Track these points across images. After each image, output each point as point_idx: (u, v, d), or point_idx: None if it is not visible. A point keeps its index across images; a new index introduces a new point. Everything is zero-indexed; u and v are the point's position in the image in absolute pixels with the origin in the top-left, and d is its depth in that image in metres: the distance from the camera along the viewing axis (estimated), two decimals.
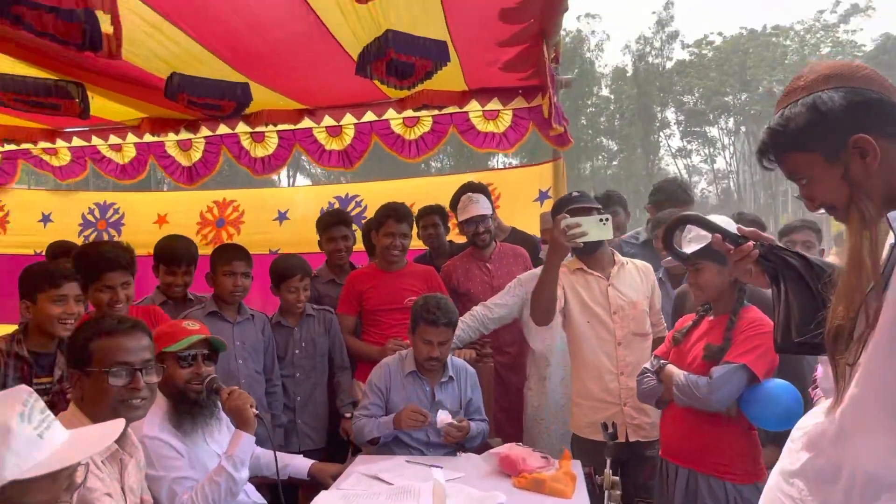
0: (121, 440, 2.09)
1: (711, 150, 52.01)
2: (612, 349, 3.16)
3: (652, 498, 2.85)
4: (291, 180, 43.60)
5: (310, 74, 3.90)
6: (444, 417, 3.06)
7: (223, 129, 5.10)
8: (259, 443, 2.69)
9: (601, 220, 2.86)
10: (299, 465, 2.99)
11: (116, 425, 1.60)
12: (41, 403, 1.47)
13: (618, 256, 3.33)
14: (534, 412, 3.73)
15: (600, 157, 50.03)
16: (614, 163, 51.28)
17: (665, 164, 53.79)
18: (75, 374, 2.09)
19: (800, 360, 2.94)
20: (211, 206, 5.76)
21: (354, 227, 4.67)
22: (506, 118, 4.93)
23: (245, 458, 2.44)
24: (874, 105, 1.32)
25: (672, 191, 4.26)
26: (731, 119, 48.93)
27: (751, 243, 1.60)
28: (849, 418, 1.30)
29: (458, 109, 4.86)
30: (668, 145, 52.11)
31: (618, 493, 2.29)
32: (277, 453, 3.06)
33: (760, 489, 2.61)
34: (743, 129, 49.22)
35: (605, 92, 49.69)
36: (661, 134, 50.40)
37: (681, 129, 50.11)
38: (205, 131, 5.07)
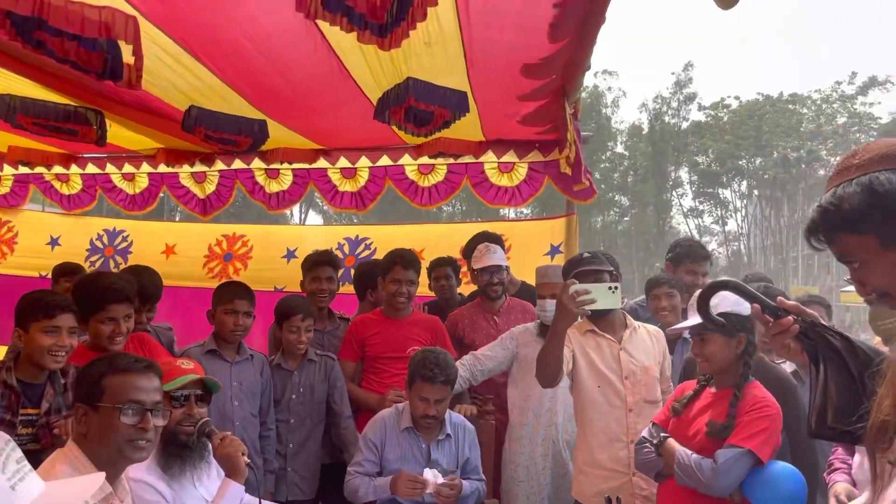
0: (113, 483, 2.02)
1: (723, 211, 52.04)
2: (623, 416, 3.06)
3: None
4: (303, 216, 43.82)
5: (328, 116, 3.90)
6: (432, 479, 2.95)
7: (238, 164, 5.11)
8: (247, 488, 2.58)
9: (610, 287, 2.80)
10: None
11: (95, 479, 1.52)
12: (18, 453, 1.40)
13: (630, 320, 3.26)
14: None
15: (612, 213, 50.11)
16: (626, 218, 51.36)
17: (676, 223, 53.85)
18: (82, 409, 2.04)
19: (812, 443, 2.83)
20: (220, 239, 5.73)
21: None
22: (521, 171, 4.91)
23: None
24: None
25: (689, 246, 4.22)
26: (745, 182, 49.04)
27: (791, 317, 1.52)
28: None
29: (473, 159, 4.86)
30: (681, 204, 52.23)
31: None
32: (266, 503, 2.97)
33: None
34: (756, 192, 49.31)
35: (619, 148, 50.02)
36: (674, 193, 50.53)
37: (693, 189, 50.24)
38: (220, 165, 5.08)
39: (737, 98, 47.55)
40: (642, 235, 49.54)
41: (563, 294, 2.72)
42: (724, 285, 1.64)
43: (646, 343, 3.19)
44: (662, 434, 2.66)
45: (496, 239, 4.29)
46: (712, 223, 54.31)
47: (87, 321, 2.93)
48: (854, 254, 1.34)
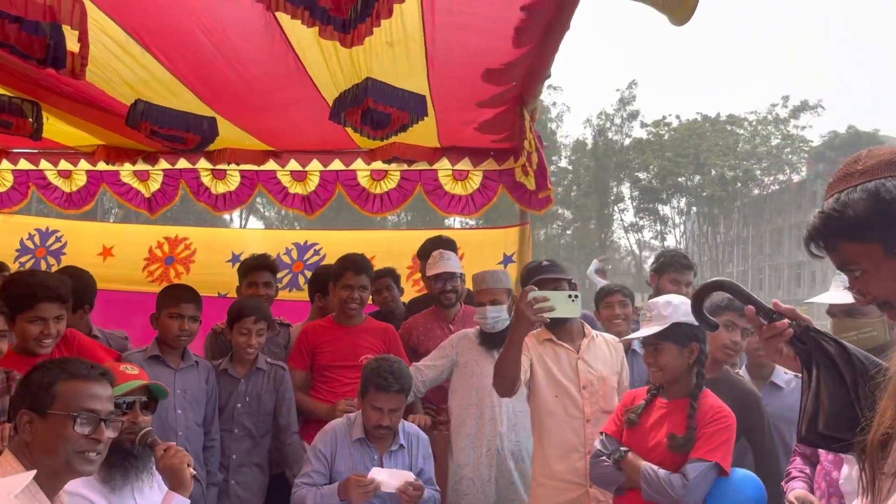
0: (52, 497, 1.88)
1: (663, 227, 53.26)
2: (581, 426, 3.01)
3: None
4: (244, 222, 43.01)
5: (281, 115, 3.79)
6: (386, 478, 2.86)
7: (183, 164, 4.93)
8: (192, 502, 2.44)
9: (570, 296, 2.77)
10: None
11: (22, 479, 1.39)
12: None
13: (588, 329, 3.23)
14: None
15: (555, 226, 50.75)
16: (568, 232, 52.08)
17: (617, 237, 54.86)
18: (28, 416, 1.89)
19: (776, 455, 2.87)
20: (161, 241, 5.52)
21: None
22: (475, 180, 4.87)
23: None
24: None
25: (672, 256, 4.25)
26: (684, 199, 50.31)
27: (786, 321, 1.47)
28: None
29: (427, 166, 4.80)
30: (622, 219, 53.22)
31: None
32: None
33: None
34: (694, 209, 50.63)
35: (563, 163, 50.76)
36: (616, 207, 51.48)
37: (634, 204, 51.28)
38: (163, 164, 4.89)
39: (677, 117, 48.82)
40: (584, 249, 50.23)
41: (522, 301, 2.66)
42: (720, 285, 1.60)
43: (604, 352, 3.16)
44: (622, 448, 2.64)
45: (450, 244, 4.23)
46: (652, 238, 55.48)
47: (14, 321, 2.74)
48: (856, 262, 1.31)
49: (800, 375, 1.49)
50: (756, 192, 49.80)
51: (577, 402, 3.04)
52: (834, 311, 2.38)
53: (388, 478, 2.87)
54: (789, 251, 52.75)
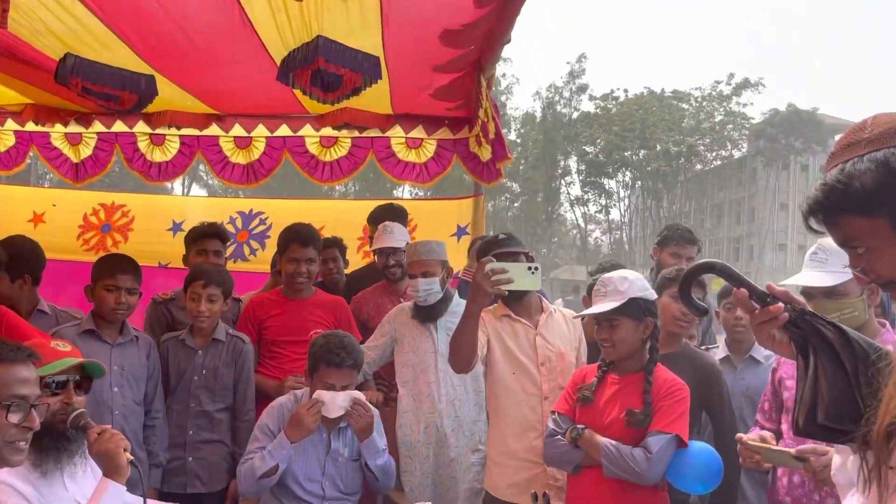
0: None
1: (608, 201, 54.01)
2: (538, 404, 2.93)
3: None
4: (186, 190, 41.92)
5: (225, 74, 3.58)
6: (327, 399, 2.78)
7: (120, 127, 4.66)
8: (130, 486, 2.27)
9: (530, 268, 2.67)
10: None
11: None
12: None
13: (546, 304, 3.14)
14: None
15: (503, 198, 50.94)
16: (516, 204, 52.36)
17: (564, 211, 55.44)
18: None
19: (735, 428, 2.85)
20: (97, 208, 5.23)
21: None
22: (429, 148, 4.74)
23: None
24: None
25: (676, 229, 4.17)
26: (629, 173, 51.02)
27: (780, 305, 1.37)
28: None
29: (380, 133, 4.64)
30: (569, 193, 53.75)
31: None
32: (154, 502, 2.66)
33: None
34: (639, 183, 51.42)
35: (512, 135, 50.85)
36: (563, 181, 51.91)
37: (581, 178, 51.81)
38: (98, 126, 4.61)
39: (625, 91, 49.28)
40: (531, 222, 50.65)
41: (479, 273, 2.56)
42: (711, 267, 1.49)
43: (562, 328, 3.09)
44: (579, 426, 2.59)
45: (402, 213, 4.11)
46: (597, 212, 56.26)
47: None
48: (861, 238, 1.21)
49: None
50: (699, 167, 50.82)
51: (535, 378, 2.96)
52: (812, 292, 2.34)
53: (334, 399, 2.80)
54: (729, 226, 54.21)
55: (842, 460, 1.41)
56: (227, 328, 3.39)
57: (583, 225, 56.52)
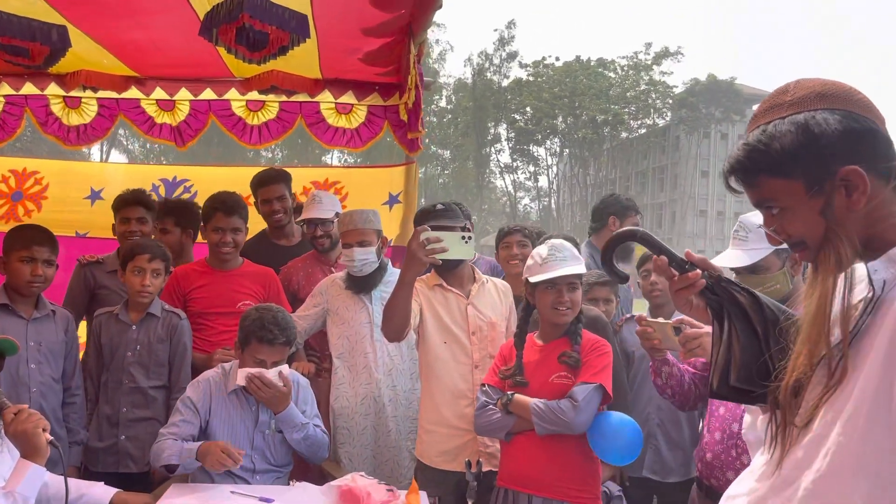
0: None
1: (537, 168, 54.55)
2: (469, 372, 2.96)
3: None
4: (105, 156, 40.20)
5: (143, 24, 3.39)
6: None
7: (30, 90, 4.39)
8: (50, 465, 2.18)
9: (464, 237, 2.68)
10: (99, 495, 2.49)
11: None
12: None
13: (478, 274, 3.15)
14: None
15: (433, 165, 50.84)
16: (447, 172, 52.33)
17: (494, 178, 55.73)
18: None
19: (623, 380, 2.97)
20: (7, 175, 4.93)
21: None
22: (360, 114, 4.67)
23: (31, 495, 1.97)
24: (870, 136, 1.16)
25: (622, 197, 4.27)
26: (557, 141, 51.57)
27: (698, 272, 1.42)
28: (813, 498, 1.14)
29: (308, 98, 4.53)
30: (498, 160, 54.03)
31: None
32: (75, 480, 2.57)
33: None
34: (567, 151, 52.09)
35: (443, 102, 50.63)
36: (493, 148, 52.11)
37: (511, 145, 52.10)
38: (6, 89, 4.34)
39: (557, 59, 49.49)
40: (461, 189, 50.76)
41: (414, 241, 2.56)
42: (633, 235, 1.53)
43: (493, 298, 3.11)
44: (509, 393, 2.64)
45: (285, 177, 4.02)
46: (526, 179, 56.78)
47: None
48: (776, 199, 1.24)
49: None
50: (624, 135, 51.76)
51: (466, 348, 2.99)
52: (738, 269, 2.42)
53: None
54: (652, 192, 55.57)
55: (752, 419, 1.48)
56: (163, 304, 3.27)
57: (512, 192, 57.03)
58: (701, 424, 3.17)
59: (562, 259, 2.64)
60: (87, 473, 3.01)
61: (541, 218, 56.23)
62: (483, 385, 2.77)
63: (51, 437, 2.05)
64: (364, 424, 3.28)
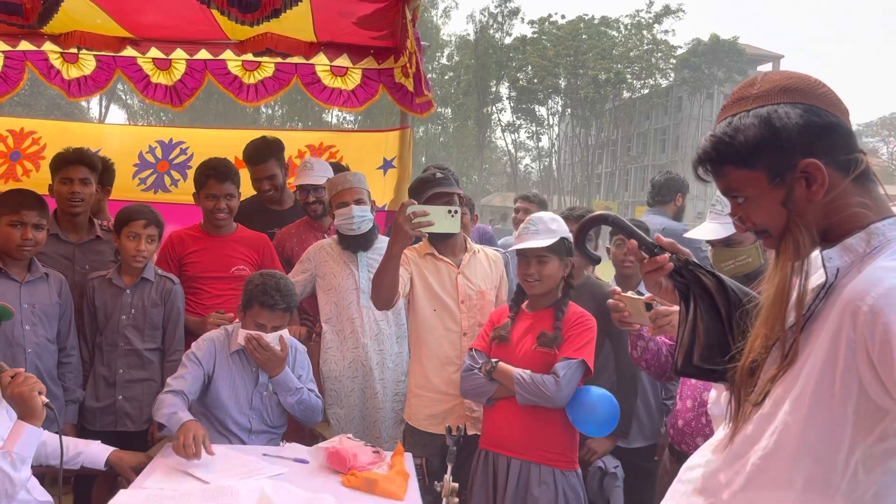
0: None
1: (538, 128, 54.18)
2: (457, 339, 3.04)
3: (468, 489, 2.83)
4: (103, 111, 39.93)
5: None
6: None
7: (26, 46, 4.37)
8: (47, 424, 2.24)
9: (450, 211, 2.74)
10: (96, 452, 2.57)
11: None
12: None
13: (470, 244, 3.20)
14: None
15: (435, 124, 50.49)
16: (450, 131, 52.01)
17: (496, 138, 55.39)
18: None
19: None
20: (5, 135, 4.93)
21: None
22: (355, 77, 4.64)
23: (28, 455, 2.04)
24: (830, 129, 1.20)
25: (681, 179, 4.56)
26: (560, 100, 51.09)
27: (667, 255, 1.48)
28: (758, 473, 1.22)
29: (303, 61, 4.51)
30: (500, 119, 53.62)
31: (456, 500, 2.18)
32: (72, 439, 2.66)
33: (580, 475, 2.70)
34: (569, 111, 51.65)
35: (444, 60, 50.06)
36: (494, 107, 51.67)
37: (512, 104, 51.65)
38: (3, 45, 4.31)
39: (563, 17, 48.74)
40: (462, 148, 50.54)
41: (400, 214, 2.63)
42: (604, 219, 1.57)
43: (483, 267, 3.17)
44: (494, 360, 2.72)
45: (275, 151, 3.98)
46: (528, 139, 56.46)
47: None
48: (741, 188, 1.28)
49: None
50: (626, 95, 51.29)
51: (455, 316, 3.05)
52: (713, 241, 2.47)
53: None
54: (654, 154, 55.30)
55: (717, 395, 1.54)
56: (157, 269, 3.31)
57: (513, 152, 56.78)
58: (663, 393, 3.27)
59: (534, 232, 2.70)
60: (85, 432, 3.08)
61: (542, 178, 56.04)
62: (471, 349, 2.84)
63: (46, 400, 2.11)
64: (352, 387, 3.34)
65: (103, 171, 3.79)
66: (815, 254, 1.23)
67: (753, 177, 1.25)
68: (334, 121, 40.42)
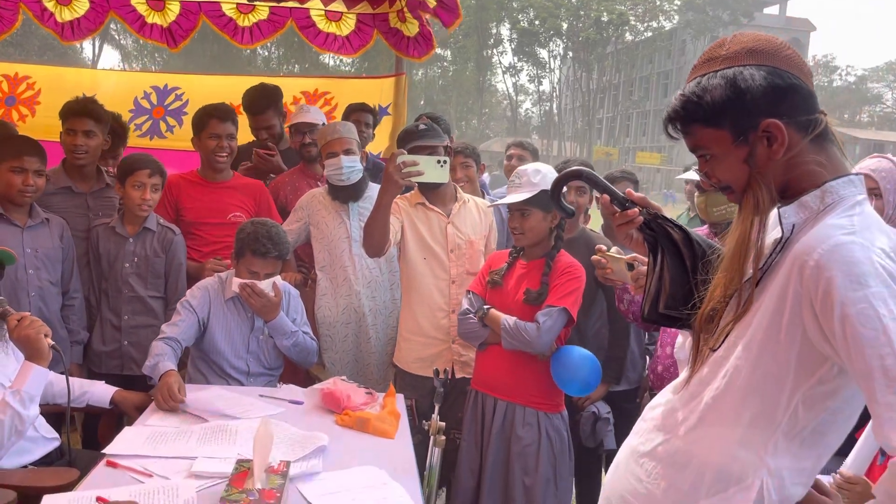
0: None
1: (540, 71, 53.44)
2: (446, 287, 3.13)
3: (461, 430, 2.94)
4: (97, 51, 39.33)
5: None
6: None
7: None
8: (53, 366, 2.34)
9: (439, 161, 2.80)
10: (100, 392, 2.69)
11: None
12: None
13: (460, 193, 3.26)
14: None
15: (434, 67, 49.77)
16: (449, 74, 51.30)
17: (496, 81, 54.62)
18: None
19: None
20: (0, 79, 4.94)
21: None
22: (349, 22, 4.62)
23: (35, 393, 2.14)
24: (792, 91, 1.26)
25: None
26: (561, 42, 50.26)
27: (636, 209, 1.55)
28: (710, 411, 1.33)
29: (297, 4, 4.48)
30: (500, 62, 52.83)
31: (442, 438, 2.30)
32: (78, 380, 2.77)
33: (565, 418, 2.82)
34: (570, 54, 50.88)
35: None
36: (495, 50, 50.85)
37: (513, 46, 50.82)
38: None
39: None
40: (461, 91, 49.94)
41: (390, 164, 2.67)
42: (578, 174, 1.64)
43: (473, 217, 3.23)
44: (485, 306, 2.80)
45: (274, 100, 4.01)
46: (528, 82, 55.70)
47: None
48: (707, 146, 1.35)
49: None
50: (629, 37, 50.44)
51: (444, 264, 3.13)
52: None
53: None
54: (656, 98, 54.70)
55: (683, 340, 1.64)
56: (159, 218, 3.36)
57: (513, 96, 56.12)
58: (646, 337, 3.38)
59: (517, 185, 2.75)
60: (91, 375, 3.18)
61: (542, 123, 55.51)
62: (468, 292, 2.93)
63: (52, 342, 2.20)
64: (345, 333, 3.44)
65: (118, 136, 3.86)
66: (774, 211, 1.30)
67: (719, 135, 1.31)
68: (332, 63, 39.83)
